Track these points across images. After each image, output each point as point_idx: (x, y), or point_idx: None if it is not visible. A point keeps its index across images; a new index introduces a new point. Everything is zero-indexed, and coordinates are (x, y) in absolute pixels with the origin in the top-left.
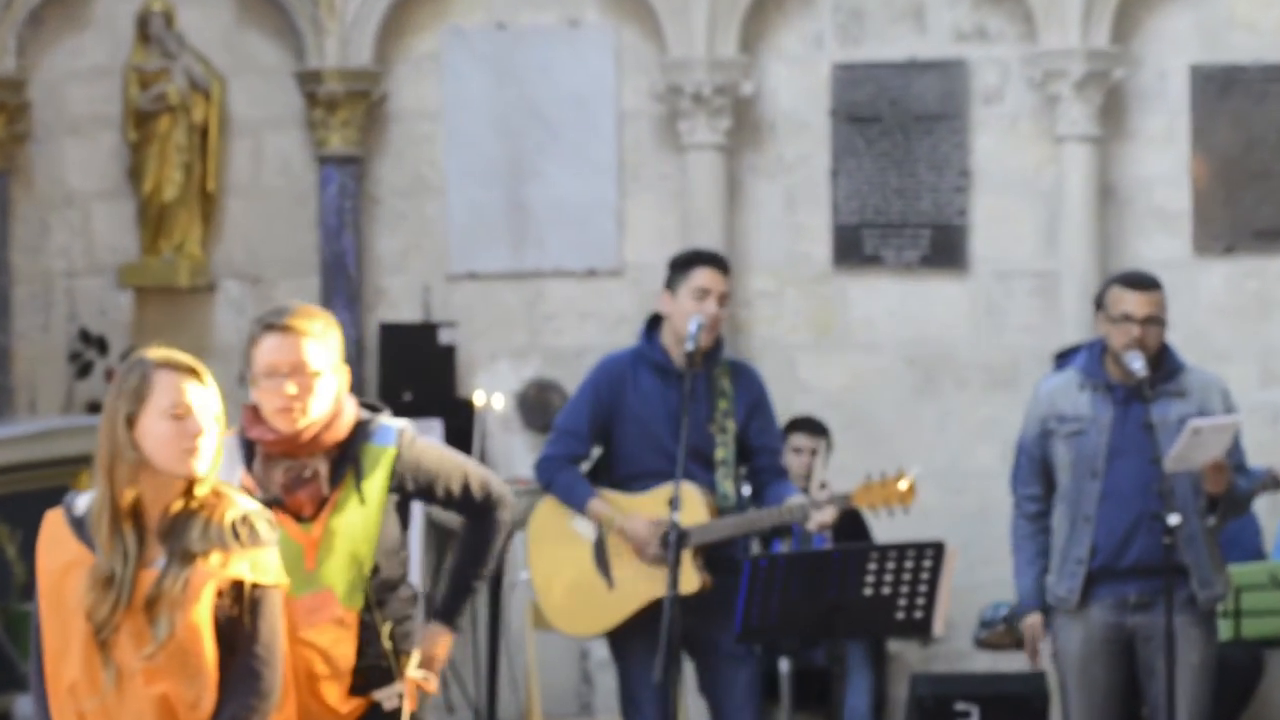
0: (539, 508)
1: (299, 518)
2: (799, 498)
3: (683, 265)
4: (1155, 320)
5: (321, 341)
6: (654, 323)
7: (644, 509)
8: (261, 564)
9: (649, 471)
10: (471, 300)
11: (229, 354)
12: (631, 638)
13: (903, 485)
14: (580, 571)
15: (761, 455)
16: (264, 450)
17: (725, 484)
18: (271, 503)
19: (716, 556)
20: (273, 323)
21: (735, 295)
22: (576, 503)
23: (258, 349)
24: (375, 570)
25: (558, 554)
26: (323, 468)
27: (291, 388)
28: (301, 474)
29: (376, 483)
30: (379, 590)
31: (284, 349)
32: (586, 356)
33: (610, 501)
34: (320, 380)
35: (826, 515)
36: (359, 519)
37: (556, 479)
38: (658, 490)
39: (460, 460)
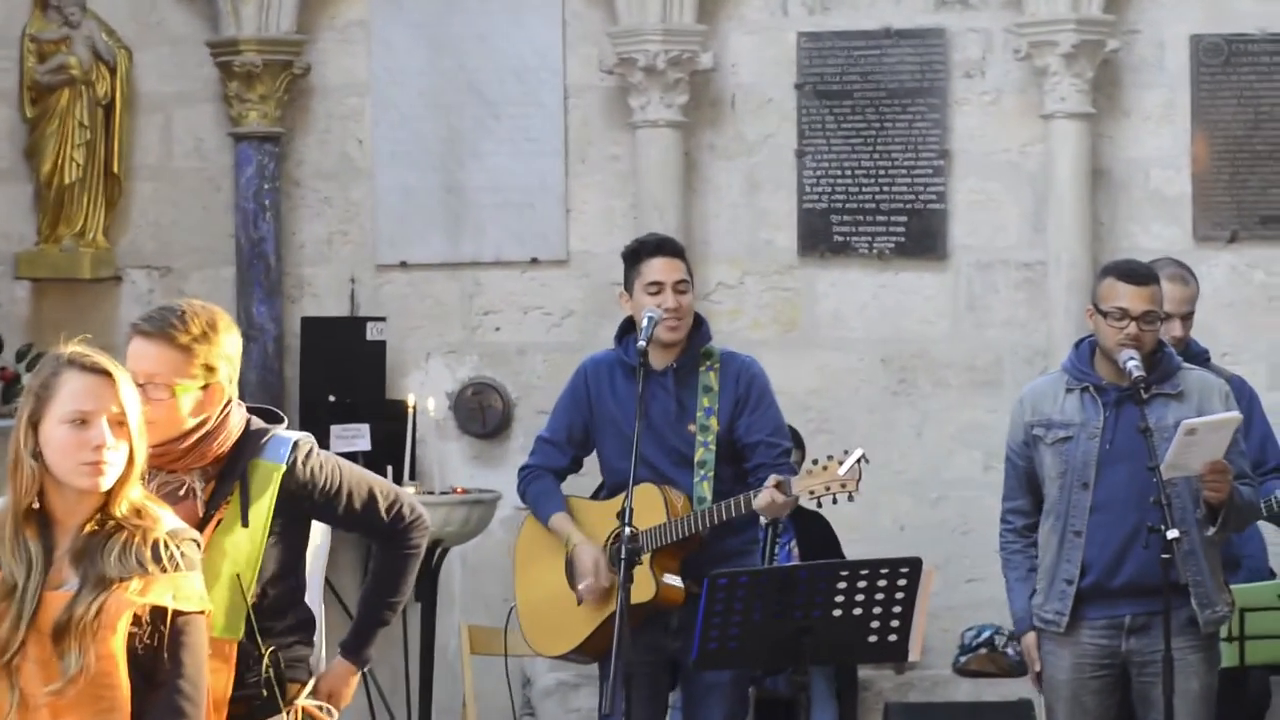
0: (524, 527)
1: None
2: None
3: (631, 260)
4: (1153, 316)
5: (188, 353)
6: (629, 324)
7: (605, 518)
8: (185, 590)
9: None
10: (403, 293)
11: None
12: (609, 661)
13: (843, 469)
14: (556, 587)
15: (757, 452)
16: None
17: (702, 487)
18: None
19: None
20: (137, 325)
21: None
22: (542, 517)
23: (127, 352)
24: (262, 595)
25: (539, 572)
26: (199, 485)
27: (148, 402)
28: (176, 491)
29: (263, 504)
30: (263, 617)
31: (141, 358)
32: (529, 354)
33: (576, 511)
34: (184, 397)
35: (764, 498)
36: (243, 542)
37: (529, 490)
38: (620, 497)
39: (367, 478)
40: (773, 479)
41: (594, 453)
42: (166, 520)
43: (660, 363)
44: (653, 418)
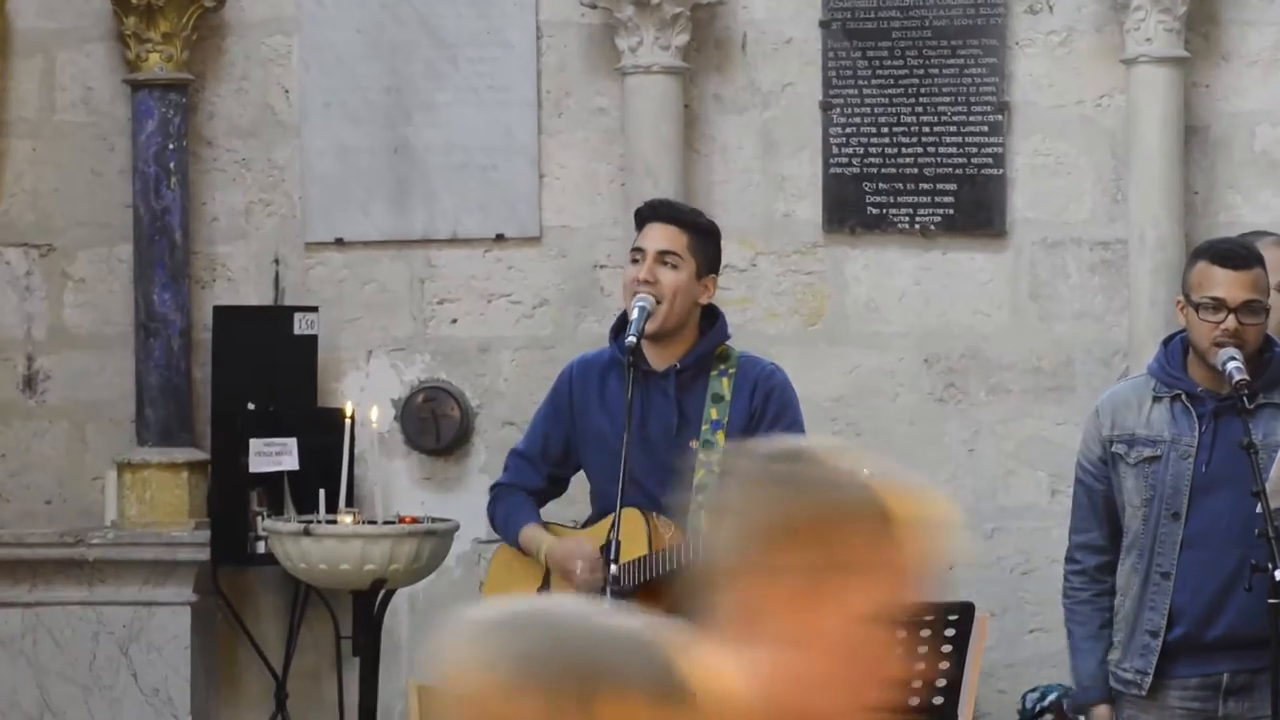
0: (493, 560)
1: None
2: None
3: (636, 225)
4: (1257, 306)
5: None
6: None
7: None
8: None
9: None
10: (338, 276)
11: (11, 348)
12: None
13: None
14: None
15: None
16: None
17: (700, 517)
18: None
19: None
20: None
21: None
22: (510, 535)
23: None
24: None
25: None
26: None
27: None
28: None
29: None
30: None
31: None
32: (493, 352)
33: (552, 532)
34: None
35: None
36: None
37: (497, 510)
38: (604, 522)
39: None
40: None
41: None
42: None
43: (661, 361)
44: (648, 429)
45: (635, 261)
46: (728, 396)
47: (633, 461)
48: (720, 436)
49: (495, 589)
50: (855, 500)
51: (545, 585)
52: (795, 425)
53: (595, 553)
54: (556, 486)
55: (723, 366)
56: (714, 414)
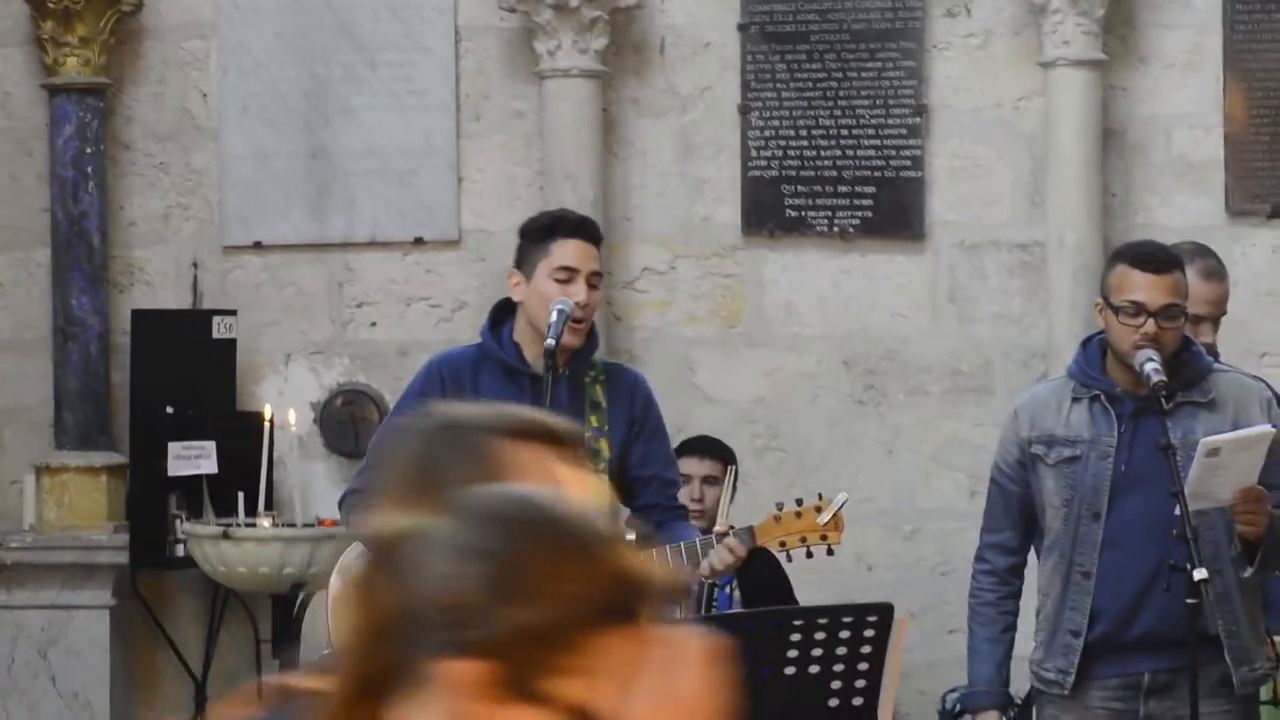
0: (344, 561)
1: None
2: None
3: (539, 236)
4: (1176, 310)
5: None
6: (502, 311)
7: None
8: None
9: None
10: (257, 280)
11: None
12: None
13: (824, 516)
14: None
15: (649, 489)
16: None
17: None
18: None
19: None
20: None
21: (611, 274)
22: None
23: None
24: None
25: None
26: None
27: None
28: None
29: None
30: None
31: None
32: (412, 355)
33: None
34: None
35: (721, 557)
36: None
37: (356, 518)
38: None
39: None
40: (719, 526)
41: None
42: None
43: (541, 367)
44: None
45: (563, 280)
46: (604, 404)
47: None
48: (604, 445)
49: (346, 614)
50: None
51: None
52: (667, 435)
53: None
54: None
55: (592, 374)
56: (594, 421)
